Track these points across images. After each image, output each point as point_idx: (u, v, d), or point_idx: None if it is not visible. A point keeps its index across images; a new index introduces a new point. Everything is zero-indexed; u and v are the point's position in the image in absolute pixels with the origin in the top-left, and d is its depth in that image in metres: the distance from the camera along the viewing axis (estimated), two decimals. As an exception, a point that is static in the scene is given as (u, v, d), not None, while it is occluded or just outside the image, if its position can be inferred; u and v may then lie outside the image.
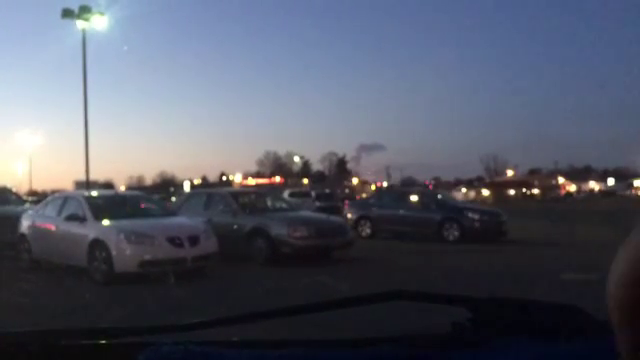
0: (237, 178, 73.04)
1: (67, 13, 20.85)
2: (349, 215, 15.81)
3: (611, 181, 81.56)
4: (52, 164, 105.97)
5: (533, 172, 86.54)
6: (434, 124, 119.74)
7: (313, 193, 32.02)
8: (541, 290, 6.79)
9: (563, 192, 75.63)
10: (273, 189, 33.00)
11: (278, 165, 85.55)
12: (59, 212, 9.38)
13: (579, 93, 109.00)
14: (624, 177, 79.95)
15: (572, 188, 79.01)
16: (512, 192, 74.69)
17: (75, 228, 8.78)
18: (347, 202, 19.68)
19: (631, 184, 76.58)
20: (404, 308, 0.99)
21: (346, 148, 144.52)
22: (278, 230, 9.90)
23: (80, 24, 20.89)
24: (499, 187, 76.35)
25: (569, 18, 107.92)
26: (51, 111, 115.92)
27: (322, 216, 12.14)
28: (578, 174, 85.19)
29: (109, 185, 56.68)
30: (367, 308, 0.88)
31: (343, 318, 1.33)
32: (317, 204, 25.68)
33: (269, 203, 12.26)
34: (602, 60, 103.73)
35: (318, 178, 78.79)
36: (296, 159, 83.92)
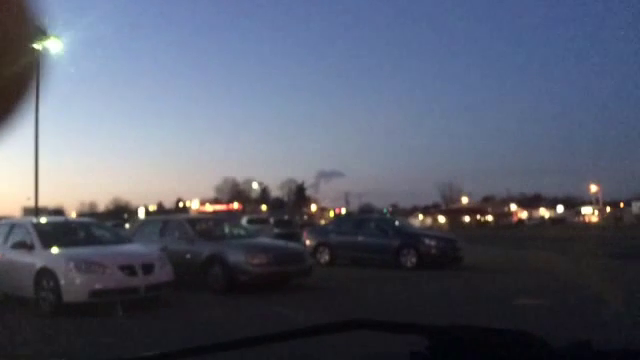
0: (194, 204, 71.89)
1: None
2: (308, 242, 15.75)
3: (560, 208, 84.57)
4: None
5: (487, 199, 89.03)
6: (392, 152, 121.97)
7: (272, 220, 31.84)
8: (496, 315, 6.93)
9: (515, 219, 78.00)
10: (231, 216, 32.62)
11: (236, 191, 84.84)
12: (5, 240, 8.98)
13: (530, 123, 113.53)
14: (573, 205, 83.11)
15: (524, 215, 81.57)
16: (467, 219, 76.53)
17: (22, 256, 8.40)
18: (306, 229, 19.62)
19: (579, 211, 79.69)
20: (364, 336, 0.99)
21: (305, 175, 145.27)
22: (236, 257, 9.75)
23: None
24: (454, 214, 78.12)
25: (522, 50, 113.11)
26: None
27: (281, 243, 12.04)
28: (529, 201, 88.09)
29: (59, 211, 54.74)
30: (328, 337, 0.88)
31: (303, 348, 1.31)
32: (276, 231, 25.50)
33: (227, 230, 12.08)
34: (552, 92, 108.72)
35: (277, 205, 78.49)
36: (254, 185, 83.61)
